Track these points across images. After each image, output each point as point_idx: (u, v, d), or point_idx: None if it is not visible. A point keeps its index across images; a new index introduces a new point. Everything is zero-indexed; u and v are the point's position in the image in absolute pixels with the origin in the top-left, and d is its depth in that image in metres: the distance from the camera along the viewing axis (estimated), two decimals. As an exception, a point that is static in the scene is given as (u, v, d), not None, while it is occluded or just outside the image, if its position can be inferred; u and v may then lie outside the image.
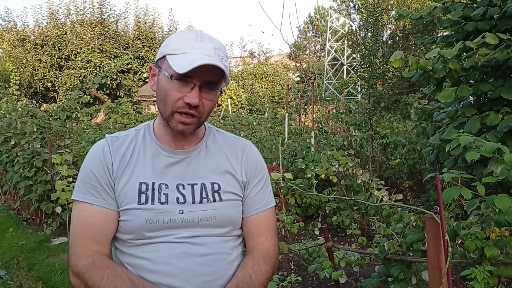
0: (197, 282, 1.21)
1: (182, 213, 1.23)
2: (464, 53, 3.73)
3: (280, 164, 5.26)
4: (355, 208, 4.85)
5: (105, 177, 1.24)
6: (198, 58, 1.14)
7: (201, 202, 1.25)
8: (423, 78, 3.70)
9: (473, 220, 2.29)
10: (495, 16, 3.74)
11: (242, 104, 20.87)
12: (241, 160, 1.36)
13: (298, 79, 29.72)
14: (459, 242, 2.54)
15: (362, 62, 6.77)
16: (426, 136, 4.87)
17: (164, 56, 1.20)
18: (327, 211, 5.09)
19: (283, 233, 4.59)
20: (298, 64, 16.12)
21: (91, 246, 1.22)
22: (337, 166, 4.93)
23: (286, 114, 8.84)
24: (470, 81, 3.76)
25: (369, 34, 7.70)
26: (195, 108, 1.19)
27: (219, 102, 19.44)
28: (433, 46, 4.50)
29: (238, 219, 1.33)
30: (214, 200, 1.26)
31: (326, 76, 26.19)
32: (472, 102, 3.90)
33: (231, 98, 20.05)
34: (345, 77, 27.38)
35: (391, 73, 6.91)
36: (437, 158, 4.34)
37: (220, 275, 1.26)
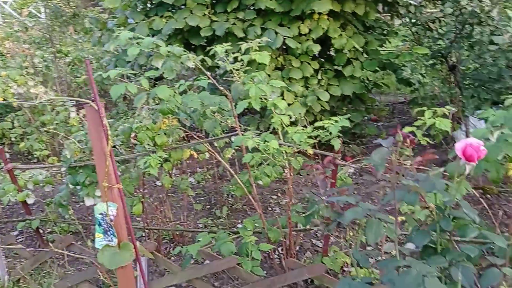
0: None
1: None
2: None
3: None
4: (43, 130, 4.54)
5: None
6: None
7: None
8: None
9: (145, 114, 2.48)
10: None
11: None
12: None
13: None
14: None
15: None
16: (102, 45, 4.86)
17: None
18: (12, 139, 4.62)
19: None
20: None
21: None
22: (15, 87, 4.43)
23: None
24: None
25: None
26: None
27: None
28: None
29: None
30: None
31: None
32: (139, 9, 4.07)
33: None
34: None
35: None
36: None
37: None
